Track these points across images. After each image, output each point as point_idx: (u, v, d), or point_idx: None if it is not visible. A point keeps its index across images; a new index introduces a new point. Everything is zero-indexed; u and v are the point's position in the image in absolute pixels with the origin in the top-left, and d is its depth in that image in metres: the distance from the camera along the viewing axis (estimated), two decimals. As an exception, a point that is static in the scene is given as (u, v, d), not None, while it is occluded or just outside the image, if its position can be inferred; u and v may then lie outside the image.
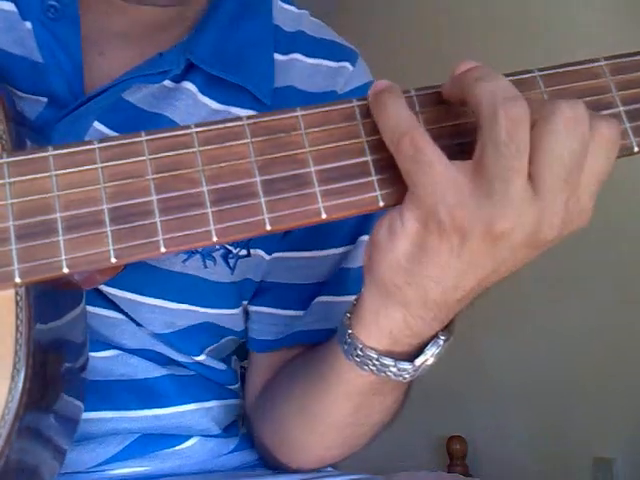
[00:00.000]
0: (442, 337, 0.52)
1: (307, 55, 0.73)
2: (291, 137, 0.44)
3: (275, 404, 0.69)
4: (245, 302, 0.72)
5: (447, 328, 0.52)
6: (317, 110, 0.45)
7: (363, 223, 0.73)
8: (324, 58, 0.74)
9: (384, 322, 0.50)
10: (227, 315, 0.70)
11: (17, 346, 0.41)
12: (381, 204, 0.44)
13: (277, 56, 0.72)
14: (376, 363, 0.52)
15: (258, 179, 0.43)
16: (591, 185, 0.44)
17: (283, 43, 0.73)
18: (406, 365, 0.52)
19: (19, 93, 0.63)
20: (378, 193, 0.44)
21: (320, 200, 0.44)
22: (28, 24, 0.64)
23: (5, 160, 0.42)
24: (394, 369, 0.52)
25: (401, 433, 1.11)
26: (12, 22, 0.64)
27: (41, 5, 0.64)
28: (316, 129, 0.45)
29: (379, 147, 0.45)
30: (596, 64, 0.48)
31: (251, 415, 0.75)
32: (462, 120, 0.45)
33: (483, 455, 2.07)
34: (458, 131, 0.45)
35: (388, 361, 0.51)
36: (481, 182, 0.42)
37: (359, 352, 0.52)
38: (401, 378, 0.53)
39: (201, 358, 0.71)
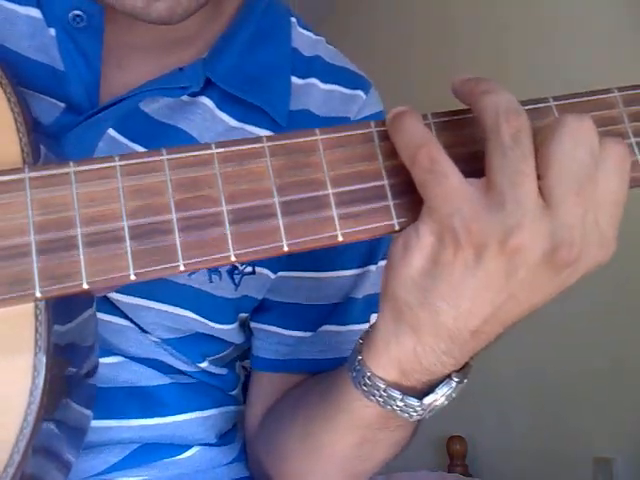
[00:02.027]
0: (455, 378, 0.50)
1: (323, 81, 0.74)
2: (310, 159, 0.45)
3: (278, 432, 0.68)
4: (243, 315, 0.73)
5: (462, 371, 0.50)
6: (336, 133, 0.46)
7: (372, 251, 0.74)
8: (338, 84, 0.75)
9: (394, 351, 0.48)
10: (225, 330, 0.71)
11: (36, 360, 0.42)
12: (397, 228, 0.45)
13: (295, 79, 0.73)
14: (383, 394, 0.50)
15: (277, 200, 0.44)
16: (607, 206, 0.44)
17: (301, 67, 0.74)
18: (414, 401, 0.50)
19: (37, 94, 0.63)
20: (395, 218, 0.45)
21: (337, 223, 0.44)
22: (52, 31, 0.65)
23: (27, 175, 0.43)
24: (401, 403, 0.50)
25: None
26: (37, 28, 0.64)
27: (67, 14, 0.64)
28: (334, 151, 0.45)
29: (396, 171, 0.45)
30: (610, 95, 0.48)
31: (252, 442, 0.75)
32: (478, 146, 0.45)
33: (483, 455, 2.08)
34: (474, 156, 0.45)
35: (395, 394, 0.50)
36: (493, 194, 0.42)
37: (367, 381, 0.50)
38: (407, 415, 0.51)
39: (204, 365, 0.72)
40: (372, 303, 0.73)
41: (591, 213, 0.43)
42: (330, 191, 0.44)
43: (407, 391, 0.50)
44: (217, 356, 0.73)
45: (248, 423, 0.76)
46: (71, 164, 0.43)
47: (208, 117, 0.68)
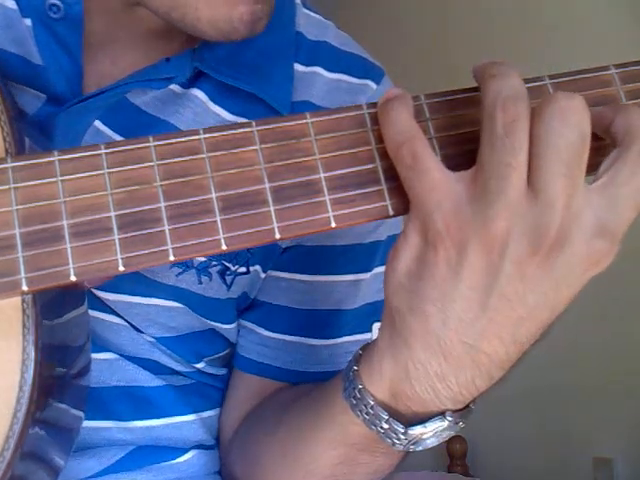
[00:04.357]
0: (449, 417, 0.47)
1: (328, 69, 0.71)
2: (301, 144, 0.44)
3: (258, 441, 0.66)
4: None
5: (459, 412, 0.47)
6: (327, 116, 0.44)
7: (367, 258, 0.71)
8: (346, 73, 0.71)
9: (387, 368, 0.46)
10: (225, 329, 0.70)
11: (25, 355, 0.41)
12: (391, 213, 0.44)
13: (297, 66, 0.69)
14: (370, 411, 0.47)
15: (267, 186, 0.43)
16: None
17: (305, 52, 0.70)
18: (399, 426, 0.47)
19: (18, 86, 0.61)
20: (388, 202, 0.44)
21: (330, 209, 0.43)
22: (28, 22, 0.62)
23: (9, 165, 0.41)
24: (386, 425, 0.47)
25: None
26: (12, 19, 0.62)
27: (43, 3, 0.62)
28: (326, 135, 0.44)
29: (388, 155, 0.44)
30: (606, 72, 0.47)
31: (226, 448, 0.73)
32: (474, 127, 0.44)
33: (483, 455, 2.07)
34: (469, 138, 0.44)
35: (382, 414, 0.47)
36: (477, 184, 0.41)
37: (357, 393, 0.48)
38: (390, 441, 0.48)
39: (200, 365, 0.70)
40: (364, 313, 0.71)
41: (580, 197, 0.40)
42: (322, 176, 0.43)
43: (396, 416, 0.47)
44: (214, 356, 0.71)
45: (224, 427, 0.74)
46: (55, 153, 0.42)
47: (200, 111, 0.65)
